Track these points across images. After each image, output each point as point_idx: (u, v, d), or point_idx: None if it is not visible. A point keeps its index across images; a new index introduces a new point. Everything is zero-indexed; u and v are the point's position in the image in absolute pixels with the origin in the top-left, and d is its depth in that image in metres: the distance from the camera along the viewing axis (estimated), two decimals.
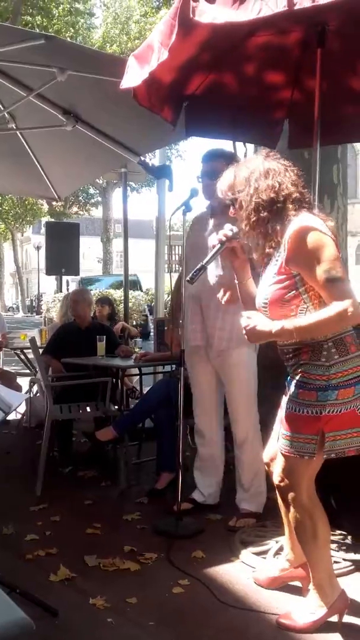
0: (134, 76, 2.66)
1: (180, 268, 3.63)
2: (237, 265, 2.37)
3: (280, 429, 2.19)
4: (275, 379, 2.46)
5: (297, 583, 2.48)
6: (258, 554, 2.80)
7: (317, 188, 3.15)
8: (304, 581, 2.40)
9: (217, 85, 3.35)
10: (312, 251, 2.01)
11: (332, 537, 2.88)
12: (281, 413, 2.22)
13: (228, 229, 2.29)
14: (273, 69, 3.42)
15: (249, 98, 3.50)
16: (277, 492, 2.35)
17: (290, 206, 2.09)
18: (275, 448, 2.33)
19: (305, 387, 2.08)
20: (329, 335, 2.05)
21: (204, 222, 3.33)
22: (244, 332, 2.13)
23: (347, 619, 2.23)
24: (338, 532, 2.92)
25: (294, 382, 2.14)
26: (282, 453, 2.16)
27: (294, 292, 2.08)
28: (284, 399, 2.22)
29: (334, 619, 2.21)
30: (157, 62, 2.48)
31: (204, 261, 2.37)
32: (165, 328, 3.66)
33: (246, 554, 2.81)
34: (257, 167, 2.14)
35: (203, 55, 3.00)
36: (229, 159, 3.14)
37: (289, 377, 2.21)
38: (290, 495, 2.17)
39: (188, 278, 2.41)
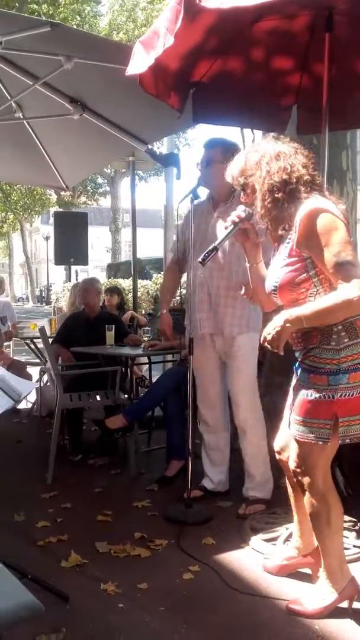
0: (139, 62, 2.64)
1: (172, 255, 3.62)
2: (248, 247, 2.37)
3: (292, 414, 2.18)
4: (288, 366, 2.46)
5: (307, 570, 2.49)
6: (268, 540, 2.82)
7: (326, 174, 3.13)
8: (314, 568, 2.41)
9: (224, 71, 3.32)
10: (322, 233, 2.00)
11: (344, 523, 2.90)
12: (291, 399, 2.22)
13: (241, 210, 2.28)
14: (281, 55, 3.38)
15: (256, 84, 3.47)
16: (291, 477, 2.36)
17: (302, 188, 2.09)
18: (287, 435, 2.33)
19: (315, 372, 2.07)
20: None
21: (203, 210, 3.30)
22: (267, 345, 2.09)
23: (358, 605, 2.24)
24: (348, 518, 2.93)
25: (303, 367, 2.13)
26: (295, 439, 2.16)
27: (304, 275, 2.08)
28: (292, 385, 2.22)
29: (344, 605, 2.22)
30: (163, 48, 2.46)
31: (216, 242, 2.37)
32: (159, 315, 3.68)
33: (256, 540, 2.83)
34: (268, 150, 2.14)
35: (210, 41, 2.98)
36: (227, 148, 3.12)
37: (297, 363, 2.20)
38: (306, 480, 2.17)
39: (200, 259, 2.41)
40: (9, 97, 4.31)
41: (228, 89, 3.40)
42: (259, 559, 2.67)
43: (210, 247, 2.37)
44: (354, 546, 2.72)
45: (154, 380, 4.51)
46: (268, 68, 3.41)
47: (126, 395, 4.28)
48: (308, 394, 2.09)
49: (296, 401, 2.15)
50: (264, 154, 2.14)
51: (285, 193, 2.09)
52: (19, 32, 3.25)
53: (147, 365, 5.13)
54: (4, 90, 4.35)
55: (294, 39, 3.24)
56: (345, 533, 2.81)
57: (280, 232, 2.15)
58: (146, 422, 4.54)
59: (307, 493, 2.20)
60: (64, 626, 2.13)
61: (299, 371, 2.17)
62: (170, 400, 3.84)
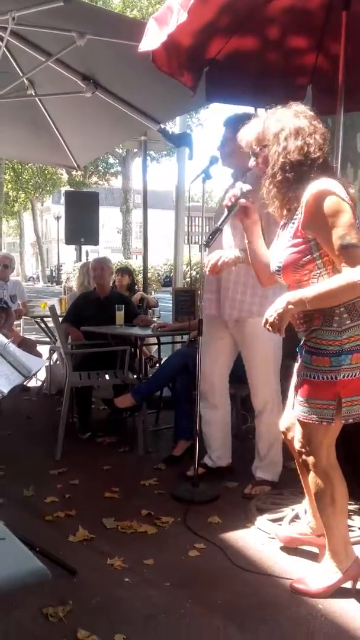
0: (152, 39, 2.61)
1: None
2: (247, 225, 2.36)
3: (296, 396, 2.19)
4: (293, 348, 2.46)
5: (313, 549, 2.51)
6: (274, 520, 2.84)
7: (339, 156, 3.10)
8: (322, 549, 2.43)
9: (239, 49, 3.28)
10: (328, 215, 1.99)
11: (349, 506, 2.92)
12: (295, 380, 2.23)
13: (238, 188, 2.26)
14: (296, 33, 3.33)
15: (271, 63, 3.43)
16: (298, 458, 2.38)
17: (315, 170, 2.07)
18: (292, 416, 2.34)
19: (318, 353, 2.08)
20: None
21: (227, 190, 3.28)
22: (269, 327, 2.09)
23: None
24: (354, 502, 2.95)
25: (306, 348, 2.14)
26: (299, 420, 2.18)
27: (308, 256, 2.08)
28: (297, 366, 2.23)
29: (348, 585, 2.24)
30: (176, 24, 2.43)
31: (219, 223, 2.35)
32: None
33: (262, 520, 2.85)
34: (287, 124, 2.09)
35: (224, 19, 2.94)
36: (235, 124, 3.07)
37: (300, 345, 2.21)
38: (310, 460, 2.19)
39: (204, 242, 2.41)
40: (21, 74, 4.29)
41: (242, 68, 3.37)
42: (264, 539, 2.70)
43: (212, 229, 2.36)
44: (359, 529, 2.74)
45: (163, 360, 4.53)
46: (283, 47, 3.37)
47: (135, 375, 4.30)
48: (311, 375, 2.10)
49: (299, 382, 2.18)
50: (283, 127, 2.09)
51: (297, 173, 2.07)
52: (33, 7, 3.22)
53: (157, 346, 5.15)
54: (16, 66, 4.33)
55: (310, 17, 3.19)
56: (352, 517, 2.84)
57: (285, 211, 2.14)
58: (155, 402, 4.57)
59: (311, 473, 2.22)
60: (71, 599, 2.17)
61: (302, 353, 2.17)
62: (179, 381, 3.85)
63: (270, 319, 2.06)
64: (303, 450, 2.21)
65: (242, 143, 2.23)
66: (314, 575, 2.28)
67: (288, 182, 2.09)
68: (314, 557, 2.49)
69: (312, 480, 2.23)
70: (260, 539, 2.70)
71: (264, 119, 2.16)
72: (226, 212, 2.34)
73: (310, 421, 2.12)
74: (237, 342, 3.30)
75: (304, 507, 2.60)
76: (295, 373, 2.25)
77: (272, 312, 2.07)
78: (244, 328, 3.19)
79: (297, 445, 2.26)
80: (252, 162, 2.22)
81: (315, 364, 2.09)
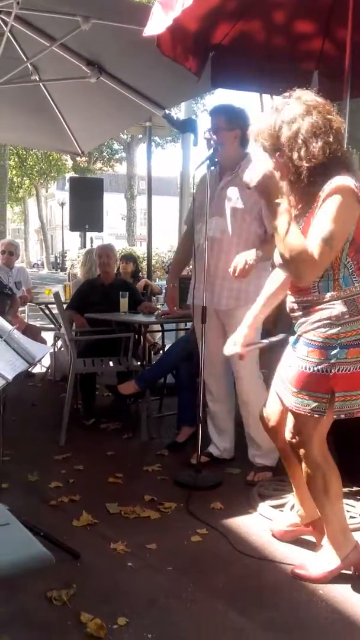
0: (158, 23, 2.59)
1: (186, 226, 3.58)
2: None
3: (288, 386, 2.17)
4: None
5: (311, 537, 2.53)
6: (275, 507, 2.86)
7: (346, 142, 3.08)
8: (318, 536, 2.45)
9: (245, 35, 3.26)
10: (335, 208, 1.96)
11: (349, 492, 2.94)
12: (289, 371, 2.19)
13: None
14: (303, 19, 3.31)
15: (277, 49, 3.41)
16: (282, 447, 2.40)
17: (336, 165, 2.01)
18: (275, 404, 2.36)
19: (314, 346, 2.08)
20: (342, 295, 2.05)
21: (211, 179, 3.13)
22: (255, 177, 2.03)
23: None
24: (356, 489, 2.97)
25: (302, 340, 2.14)
26: (291, 410, 2.18)
27: None
28: (290, 357, 2.21)
29: (349, 571, 2.26)
30: (182, 9, 2.41)
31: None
32: (165, 287, 3.67)
33: (264, 506, 2.87)
34: (303, 125, 1.99)
35: (230, 3, 2.92)
36: (233, 114, 3.03)
37: (295, 336, 2.20)
38: (302, 451, 2.19)
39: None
40: (25, 59, 4.26)
41: (248, 53, 3.34)
42: (266, 524, 2.72)
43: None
44: None
45: (166, 347, 4.54)
46: (289, 32, 3.34)
47: (139, 362, 4.32)
48: (306, 367, 2.10)
49: (293, 373, 2.16)
50: (298, 129, 1.99)
51: (320, 174, 2.00)
52: None
53: (160, 333, 5.16)
54: (20, 51, 4.30)
55: (317, 2, 3.17)
56: (352, 502, 2.85)
57: (299, 205, 2.11)
58: (158, 389, 4.59)
59: (303, 464, 2.22)
60: (75, 583, 2.19)
61: (298, 344, 2.16)
62: (182, 368, 3.86)
63: (240, 266, 2.16)
64: (294, 440, 2.22)
65: (253, 137, 2.13)
66: (315, 561, 2.30)
67: (311, 184, 2.02)
68: (314, 543, 2.50)
69: (303, 470, 2.24)
70: (262, 525, 2.72)
71: (278, 116, 2.03)
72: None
73: (302, 412, 2.12)
74: (227, 330, 3.28)
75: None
76: (285, 363, 2.25)
77: (240, 259, 2.16)
78: (236, 317, 3.16)
79: (288, 436, 2.27)
80: (273, 160, 2.14)
81: (310, 356, 2.09)
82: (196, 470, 3.20)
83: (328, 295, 2.07)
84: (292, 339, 2.24)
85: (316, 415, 2.10)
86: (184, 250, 3.60)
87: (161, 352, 5.16)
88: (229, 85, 3.69)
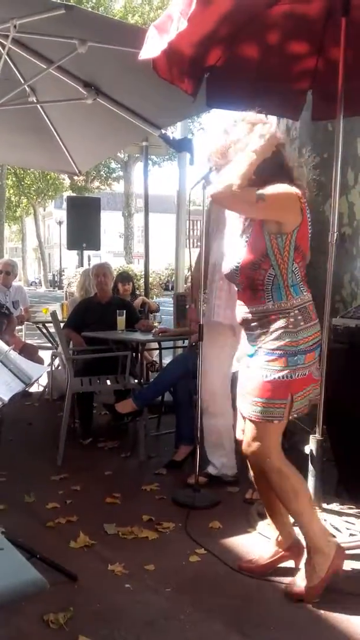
0: (153, 47, 2.62)
1: (200, 244, 3.61)
2: None
3: (249, 398, 2.23)
4: None
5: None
6: None
7: (340, 161, 3.11)
8: (296, 559, 2.45)
9: (239, 56, 3.29)
10: (277, 187, 2.13)
11: (349, 510, 2.92)
12: (247, 384, 2.26)
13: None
14: (296, 39, 3.34)
15: (271, 69, 3.44)
16: (248, 463, 2.42)
17: (277, 178, 2.18)
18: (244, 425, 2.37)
19: (275, 354, 2.17)
20: (295, 303, 2.19)
21: None
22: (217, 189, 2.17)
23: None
24: (354, 505, 2.95)
25: (261, 350, 2.21)
26: (252, 420, 2.23)
27: (264, 254, 2.17)
28: (248, 370, 2.28)
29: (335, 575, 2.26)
30: (176, 32, 2.44)
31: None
32: (187, 306, 3.70)
33: (263, 525, 2.85)
34: (247, 141, 2.19)
35: (224, 26, 2.95)
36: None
37: (253, 348, 2.26)
38: (264, 460, 2.24)
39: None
40: (23, 81, 4.31)
41: (242, 74, 3.38)
42: (264, 543, 2.70)
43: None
44: None
45: (164, 365, 4.53)
46: (283, 53, 3.37)
47: (136, 380, 4.31)
48: (267, 375, 2.17)
49: (255, 384, 2.21)
50: (244, 145, 2.18)
51: (262, 186, 2.15)
52: (34, 15, 3.24)
53: (158, 351, 5.16)
54: (17, 74, 4.35)
55: (310, 23, 3.20)
56: (352, 520, 2.84)
57: (245, 220, 2.26)
58: (156, 407, 4.58)
59: (268, 474, 2.26)
60: (72, 605, 2.17)
61: (257, 355, 2.22)
62: (180, 386, 3.86)
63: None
64: (254, 451, 2.26)
65: (208, 158, 2.34)
66: (304, 575, 2.28)
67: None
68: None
69: (271, 481, 2.26)
70: (261, 544, 2.70)
71: (225, 135, 2.26)
72: None
73: (265, 420, 2.18)
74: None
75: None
76: (243, 377, 2.32)
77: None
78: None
79: (247, 447, 2.29)
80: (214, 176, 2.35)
81: (271, 364, 2.17)
82: (194, 489, 3.18)
83: (282, 303, 2.18)
84: (247, 351, 2.31)
85: (276, 422, 2.19)
86: (198, 269, 3.61)
87: (159, 370, 5.15)
88: (224, 105, 3.73)
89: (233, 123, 2.27)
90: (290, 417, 2.22)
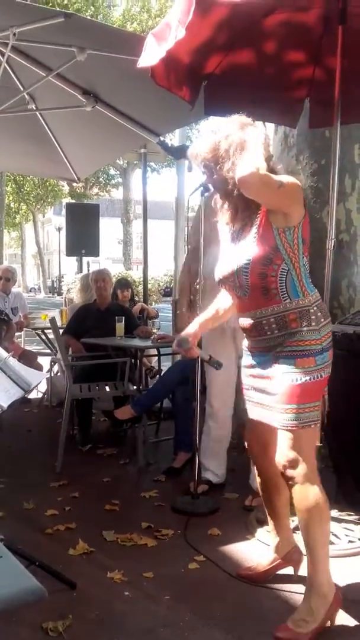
0: (151, 55, 2.64)
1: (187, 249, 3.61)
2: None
3: (279, 406, 2.08)
4: None
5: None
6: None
7: (337, 168, 3.12)
8: (296, 566, 2.42)
9: (237, 63, 3.32)
10: (289, 177, 2.05)
11: (348, 517, 2.92)
12: (274, 390, 2.11)
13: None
14: (294, 47, 3.37)
15: (269, 77, 3.46)
16: (267, 477, 2.31)
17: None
18: (255, 432, 2.30)
19: (302, 355, 2.06)
20: (312, 300, 2.10)
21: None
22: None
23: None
24: (353, 511, 2.95)
25: (284, 354, 2.08)
26: (288, 429, 2.06)
27: (274, 249, 2.06)
28: (266, 379, 2.15)
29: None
30: (175, 40, 2.46)
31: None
32: (177, 312, 3.66)
33: (262, 532, 2.85)
34: (238, 136, 2.08)
35: (221, 34, 2.98)
36: None
37: (271, 353, 2.12)
38: (299, 471, 2.07)
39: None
40: (22, 89, 4.33)
41: (240, 81, 3.40)
42: (264, 550, 2.69)
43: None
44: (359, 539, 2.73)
45: (163, 371, 4.53)
46: (281, 61, 3.40)
47: (135, 387, 4.31)
48: (296, 379, 2.05)
49: (283, 390, 2.07)
50: (234, 140, 2.08)
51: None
52: (33, 23, 3.26)
53: (157, 357, 5.16)
54: (17, 81, 4.37)
55: (307, 32, 3.23)
56: (351, 527, 2.83)
57: (239, 223, 2.16)
58: (155, 414, 4.57)
59: (299, 487, 2.08)
60: (71, 613, 2.16)
61: (280, 360, 2.09)
62: (179, 392, 3.86)
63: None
64: (293, 463, 2.07)
65: (195, 159, 2.20)
66: (299, 618, 2.06)
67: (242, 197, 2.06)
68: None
69: (301, 495, 2.08)
70: (260, 551, 2.69)
71: (213, 134, 2.15)
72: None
73: (301, 427, 2.04)
74: (237, 350, 3.31)
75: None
76: (260, 386, 2.18)
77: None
78: None
79: (283, 459, 2.10)
80: (207, 179, 2.22)
81: (300, 366, 2.05)
82: (193, 496, 3.17)
83: (300, 300, 2.07)
84: (258, 360, 2.18)
85: (313, 426, 2.07)
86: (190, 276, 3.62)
87: (157, 376, 5.15)
88: (221, 112, 3.72)
89: (221, 122, 2.18)
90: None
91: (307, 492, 2.08)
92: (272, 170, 2.07)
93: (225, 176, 2.09)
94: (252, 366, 2.22)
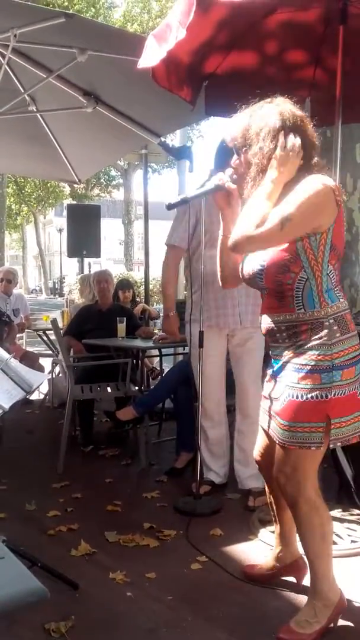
0: (151, 56, 2.64)
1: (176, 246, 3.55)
2: (226, 215, 2.14)
3: (277, 420, 1.98)
4: None
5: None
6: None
7: (338, 167, 3.12)
8: (299, 575, 2.34)
9: (237, 64, 3.32)
10: (306, 189, 1.84)
11: (350, 516, 2.91)
12: (275, 403, 2.01)
13: (228, 174, 2.10)
14: (294, 47, 3.37)
15: (269, 77, 3.46)
16: (272, 487, 2.23)
17: (301, 168, 1.94)
18: (264, 442, 2.22)
19: (305, 370, 1.90)
20: (330, 312, 1.91)
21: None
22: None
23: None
24: (356, 512, 2.94)
25: (290, 366, 1.95)
26: (284, 446, 1.97)
27: (294, 256, 1.90)
28: (273, 387, 2.04)
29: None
30: (175, 41, 2.46)
31: (190, 195, 2.24)
32: (170, 314, 3.57)
33: (265, 532, 2.84)
34: (273, 121, 1.92)
35: (222, 34, 2.98)
36: None
37: (280, 363, 2.01)
38: (296, 492, 1.98)
39: (166, 204, 2.27)
40: (23, 90, 4.33)
41: (241, 82, 3.40)
42: (266, 551, 2.69)
43: (180, 198, 2.23)
44: None
45: (164, 372, 4.53)
46: (281, 61, 3.40)
47: (137, 387, 4.31)
48: (297, 395, 1.91)
49: (282, 405, 1.96)
50: (265, 124, 1.92)
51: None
52: (34, 24, 3.25)
53: (158, 358, 5.16)
54: (17, 83, 4.37)
55: (308, 32, 3.23)
56: (354, 526, 2.83)
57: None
58: (157, 414, 4.57)
59: (297, 506, 2.00)
60: (73, 614, 2.16)
61: (286, 372, 1.97)
62: (180, 393, 3.85)
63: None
64: (287, 481, 2.00)
65: (228, 138, 2.05)
66: (302, 619, 2.03)
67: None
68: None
69: (299, 514, 2.01)
70: (262, 551, 2.69)
71: (249, 116, 1.99)
72: (204, 188, 2.16)
73: (297, 447, 1.92)
74: (237, 352, 3.31)
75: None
76: (269, 395, 2.07)
77: None
78: (252, 335, 3.24)
79: (279, 475, 2.02)
80: (235, 160, 2.04)
81: (302, 382, 1.90)
82: (195, 496, 3.17)
83: (316, 312, 1.91)
84: (272, 365, 2.08)
85: (313, 448, 1.91)
86: (177, 275, 3.63)
87: (159, 377, 5.15)
88: (222, 113, 3.74)
89: (260, 104, 2.00)
90: (333, 445, 1.91)
91: (306, 513, 2.00)
92: (308, 166, 1.92)
93: (250, 160, 1.95)
94: (270, 372, 2.10)
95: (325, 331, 1.90)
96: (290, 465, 1.98)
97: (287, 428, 1.94)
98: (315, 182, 1.86)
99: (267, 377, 2.13)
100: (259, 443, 2.29)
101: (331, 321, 1.91)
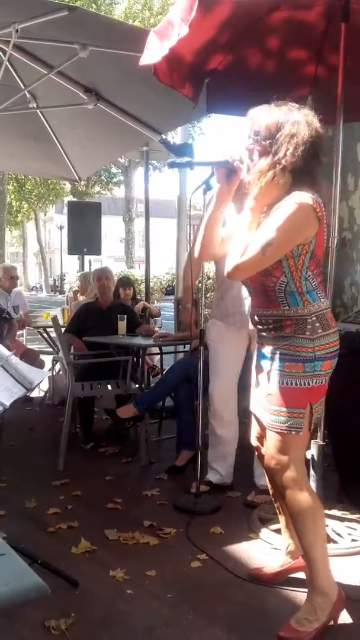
0: (153, 52, 2.63)
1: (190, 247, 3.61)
2: (222, 192, 2.17)
3: (266, 405, 2.11)
4: None
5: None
6: (277, 531, 2.82)
7: (339, 166, 3.11)
8: (307, 571, 2.27)
9: (239, 61, 3.30)
10: (284, 213, 1.94)
11: (350, 515, 2.91)
12: (265, 388, 2.13)
13: (238, 156, 2.13)
14: (296, 45, 3.35)
15: (271, 74, 3.45)
16: (268, 476, 2.27)
17: (304, 174, 2.02)
18: (256, 431, 2.29)
19: (292, 360, 2.05)
20: (313, 310, 2.06)
21: None
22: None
23: None
24: (356, 509, 2.94)
25: (276, 355, 2.08)
26: (275, 431, 2.08)
27: (275, 264, 2.02)
28: (260, 374, 2.17)
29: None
30: (177, 38, 2.45)
31: (194, 161, 2.28)
32: (182, 308, 3.68)
33: (266, 531, 2.84)
34: (302, 130, 2.02)
35: (224, 31, 2.96)
36: None
37: (267, 351, 2.13)
38: (289, 475, 2.07)
39: (169, 161, 2.34)
40: (23, 87, 4.32)
41: (242, 79, 3.39)
42: (266, 549, 2.69)
43: (185, 160, 2.29)
44: None
45: (165, 370, 4.53)
46: (283, 58, 3.39)
47: (137, 385, 4.31)
48: (285, 382, 2.05)
49: (269, 389, 2.10)
50: (298, 131, 2.01)
51: (283, 177, 2.00)
52: (36, 18, 3.23)
53: (159, 355, 5.16)
54: (18, 79, 4.36)
55: (309, 29, 3.21)
56: (353, 525, 2.83)
57: (262, 211, 2.07)
58: (157, 412, 4.57)
59: (289, 490, 2.08)
60: (73, 611, 2.16)
61: (273, 360, 2.09)
62: (181, 391, 3.85)
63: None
64: (279, 465, 2.09)
65: (251, 126, 2.10)
66: (302, 617, 2.05)
67: (276, 184, 2.01)
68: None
69: (291, 499, 2.08)
70: (263, 549, 2.69)
71: (283, 113, 2.05)
72: (213, 160, 2.21)
73: (287, 431, 2.05)
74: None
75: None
76: (258, 381, 2.20)
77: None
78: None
79: (270, 461, 2.12)
80: (249, 144, 2.09)
81: (288, 370, 2.05)
82: (196, 494, 3.17)
83: (299, 309, 2.05)
84: (261, 354, 2.18)
85: (294, 432, 2.04)
86: (196, 274, 3.61)
87: (160, 374, 5.15)
88: (224, 110, 3.74)
89: (296, 107, 2.09)
90: (309, 430, 2.07)
91: (298, 497, 2.07)
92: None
93: (265, 150, 2.03)
94: (257, 360, 2.24)
95: (308, 327, 2.06)
96: (282, 449, 2.08)
97: (274, 412, 2.08)
98: (292, 204, 1.96)
99: (255, 368, 2.25)
100: (253, 429, 2.36)
101: (314, 318, 2.06)
